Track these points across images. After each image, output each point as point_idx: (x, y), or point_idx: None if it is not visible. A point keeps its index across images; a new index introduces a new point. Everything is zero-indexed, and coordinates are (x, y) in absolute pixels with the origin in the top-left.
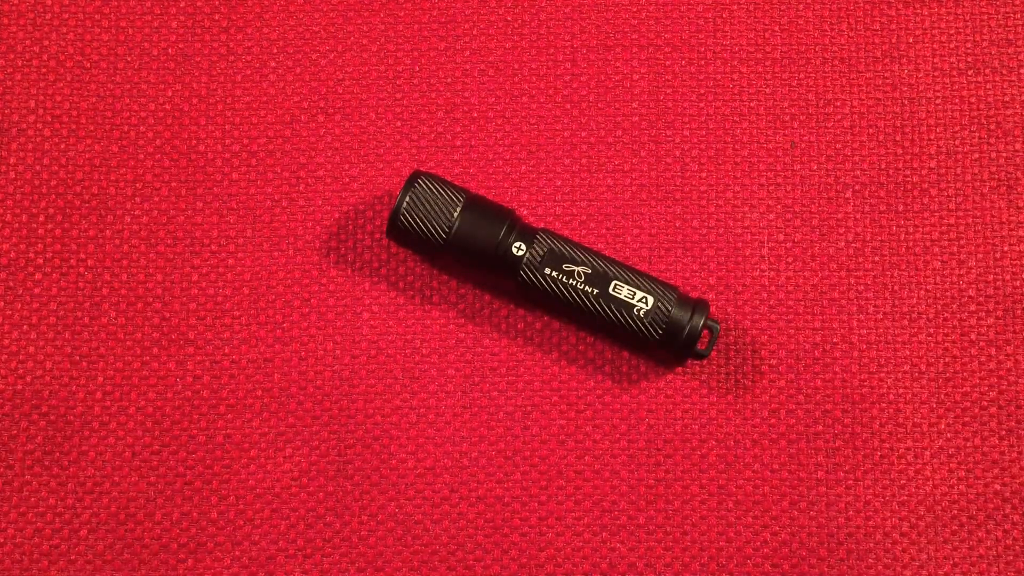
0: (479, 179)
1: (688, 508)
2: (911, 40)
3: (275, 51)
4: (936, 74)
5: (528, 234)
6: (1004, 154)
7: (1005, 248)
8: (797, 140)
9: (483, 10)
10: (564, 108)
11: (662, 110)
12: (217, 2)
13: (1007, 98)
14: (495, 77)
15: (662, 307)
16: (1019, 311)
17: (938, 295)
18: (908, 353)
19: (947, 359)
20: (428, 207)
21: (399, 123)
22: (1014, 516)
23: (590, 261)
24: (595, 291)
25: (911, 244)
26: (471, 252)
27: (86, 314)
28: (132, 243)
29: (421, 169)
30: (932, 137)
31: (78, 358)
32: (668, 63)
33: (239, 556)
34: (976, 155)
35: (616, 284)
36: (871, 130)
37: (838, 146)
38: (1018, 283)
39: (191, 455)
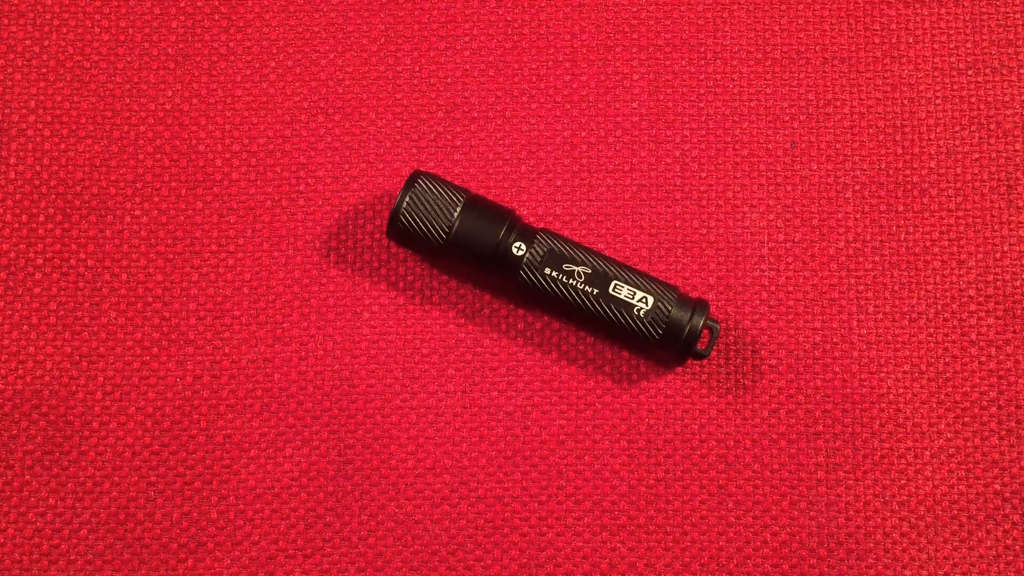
0: (479, 179)
1: (688, 508)
2: (911, 40)
3: (275, 51)
4: (936, 74)
5: (528, 234)
6: (1004, 154)
7: (1005, 248)
8: (797, 140)
9: (483, 10)
10: (564, 108)
11: (662, 110)
12: (217, 2)
13: (1007, 98)
14: (495, 77)
15: (662, 307)
16: (1019, 311)
17: (938, 295)
18: (908, 353)
19: (947, 359)
20: (428, 207)
21: (399, 123)
22: (1014, 516)
23: (590, 261)
24: (595, 291)
25: (911, 244)
26: (471, 252)
27: (86, 314)
28: (132, 243)
29: (421, 169)
30: (932, 137)
31: (78, 358)
32: (668, 63)
33: (239, 556)
34: (976, 155)
35: (616, 284)
36: (871, 130)
37: (838, 146)
38: (1018, 283)
39: (191, 455)
